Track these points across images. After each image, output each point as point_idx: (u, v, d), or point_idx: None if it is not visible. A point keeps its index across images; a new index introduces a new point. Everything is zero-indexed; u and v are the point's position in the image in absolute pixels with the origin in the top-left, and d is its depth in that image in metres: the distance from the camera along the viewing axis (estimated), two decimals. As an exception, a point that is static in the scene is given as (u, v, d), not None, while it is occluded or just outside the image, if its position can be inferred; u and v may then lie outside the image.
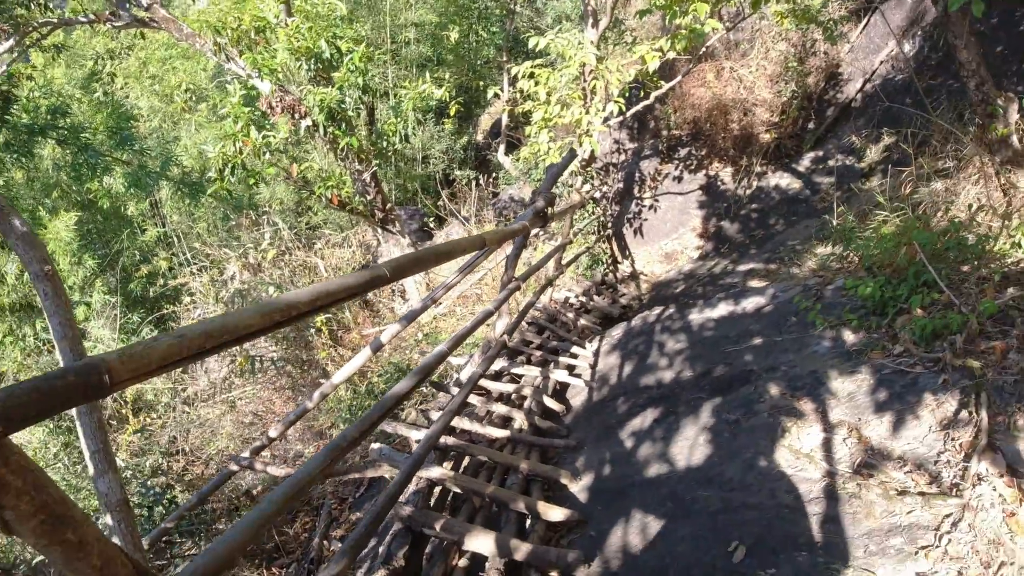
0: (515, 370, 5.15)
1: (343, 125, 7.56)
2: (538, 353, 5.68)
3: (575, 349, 5.75)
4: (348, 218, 13.12)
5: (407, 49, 15.39)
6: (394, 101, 8.16)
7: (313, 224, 14.14)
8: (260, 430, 9.01)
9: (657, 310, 6.03)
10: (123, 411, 10.42)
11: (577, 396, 4.91)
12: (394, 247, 10.18)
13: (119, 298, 12.45)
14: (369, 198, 9.19)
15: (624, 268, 10.41)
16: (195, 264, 12.48)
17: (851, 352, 3.53)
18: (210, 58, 8.92)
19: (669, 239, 10.87)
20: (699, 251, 10.52)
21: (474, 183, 13.46)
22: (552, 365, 5.33)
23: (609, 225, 10.72)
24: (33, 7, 8.46)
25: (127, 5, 8.67)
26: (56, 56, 11.28)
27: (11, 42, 8.69)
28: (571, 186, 9.20)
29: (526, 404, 4.48)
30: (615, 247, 10.55)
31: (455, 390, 4.88)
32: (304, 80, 7.98)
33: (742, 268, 8.33)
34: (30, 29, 8.85)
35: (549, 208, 3.81)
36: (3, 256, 12.39)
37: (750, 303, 5.00)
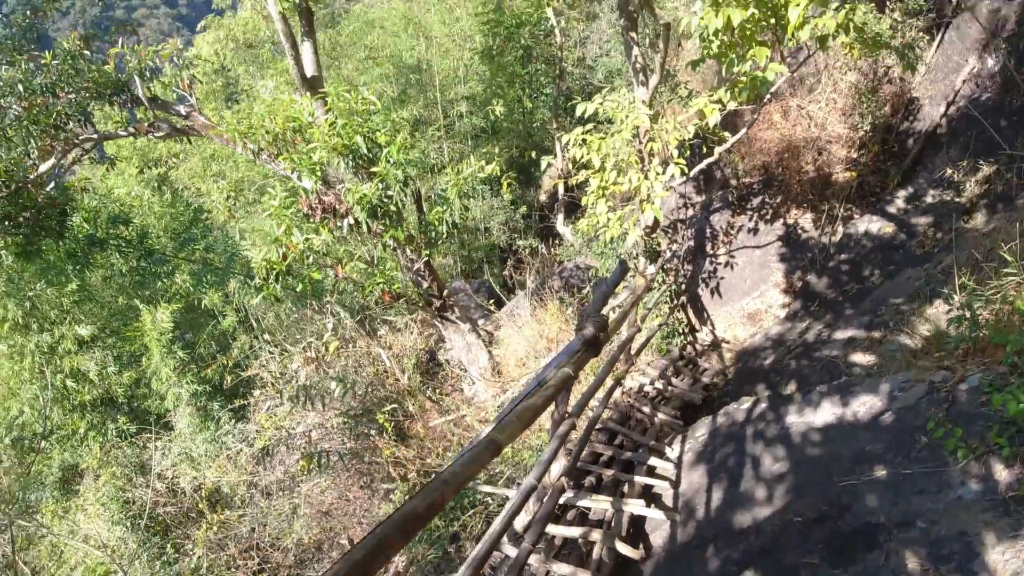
0: (581, 503, 4.42)
1: (388, 219, 7.20)
2: (609, 472, 4.94)
3: (653, 460, 4.99)
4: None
5: (460, 122, 15.27)
6: (439, 188, 7.78)
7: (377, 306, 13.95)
8: (337, 521, 8.82)
9: (746, 405, 5.22)
10: (199, 505, 10.32)
11: (658, 532, 4.15)
12: (455, 334, 9.70)
13: (204, 387, 12.55)
14: (424, 286, 8.79)
15: (703, 337, 9.55)
16: (266, 353, 12.42)
17: (1008, 502, 2.68)
18: (253, 160, 8.83)
19: (750, 298, 9.96)
20: (786, 310, 9.57)
21: (538, 251, 12.98)
22: (627, 487, 4.58)
23: (682, 288, 9.92)
24: (73, 124, 8.60)
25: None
26: (111, 167, 11.59)
27: (54, 159, 8.87)
28: (632, 265, 8.50)
29: (595, 553, 3.75)
30: (691, 313, 9.72)
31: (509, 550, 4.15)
32: (346, 177, 7.70)
33: (839, 335, 7.36)
34: (71, 146, 9.01)
35: (602, 333, 3.18)
36: (83, 356, 12.68)
37: (862, 406, 4.14)
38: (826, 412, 4.30)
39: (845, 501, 3.20)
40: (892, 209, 8.98)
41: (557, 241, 13.92)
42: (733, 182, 10.67)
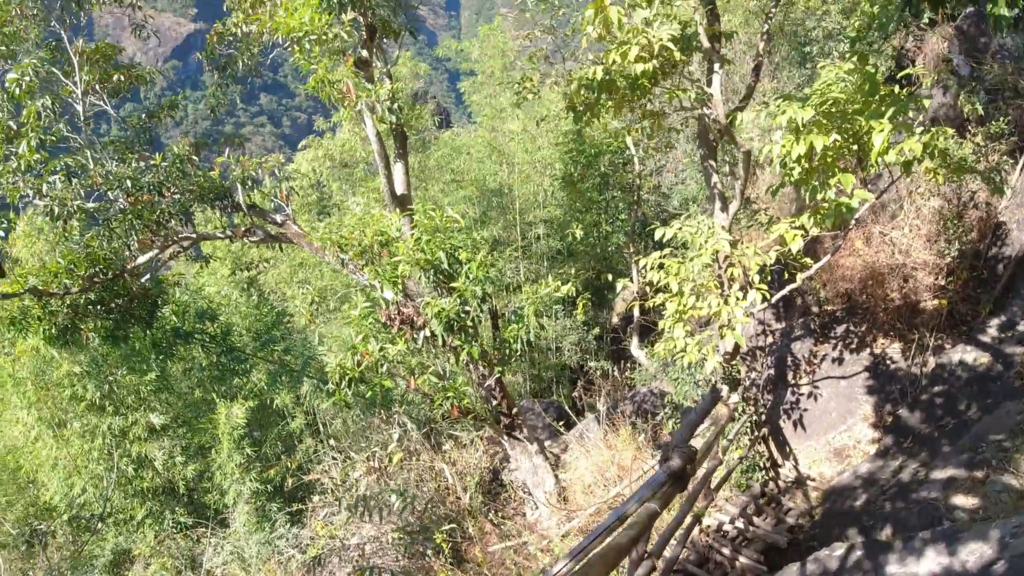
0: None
1: (463, 334, 7.26)
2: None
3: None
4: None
5: (537, 244, 15.65)
6: (515, 307, 7.85)
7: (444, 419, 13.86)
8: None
9: (839, 551, 4.78)
10: None
11: None
12: (521, 454, 9.46)
13: (265, 486, 12.53)
14: (494, 403, 8.70)
15: (786, 473, 8.98)
16: (329, 459, 12.40)
17: None
18: (339, 269, 9.17)
19: (836, 432, 9.39)
20: (875, 445, 8.95)
21: (609, 374, 12.78)
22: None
23: (763, 419, 9.46)
24: (174, 222, 9.12)
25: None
26: (204, 265, 12.20)
27: (152, 253, 9.35)
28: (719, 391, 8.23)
29: None
30: (773, 447, 9.21)
31: None
32: (425, 290, 7.88)
33: (937, 475, 6.79)
34: (170, 242, 9.52)
35: (689, 466, 2.99)
36: (151, 443, 12.92)
37: (971, 555, 3.73)
38: (931, 562, 3.89)
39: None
40: (986, 338, 8.52)
41: (629, 364, 13.72)
42: (815, 309, 10.37)
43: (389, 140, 10.19)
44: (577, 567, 2.13)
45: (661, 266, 7.38)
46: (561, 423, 12.25)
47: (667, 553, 4.88)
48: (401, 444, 11.66)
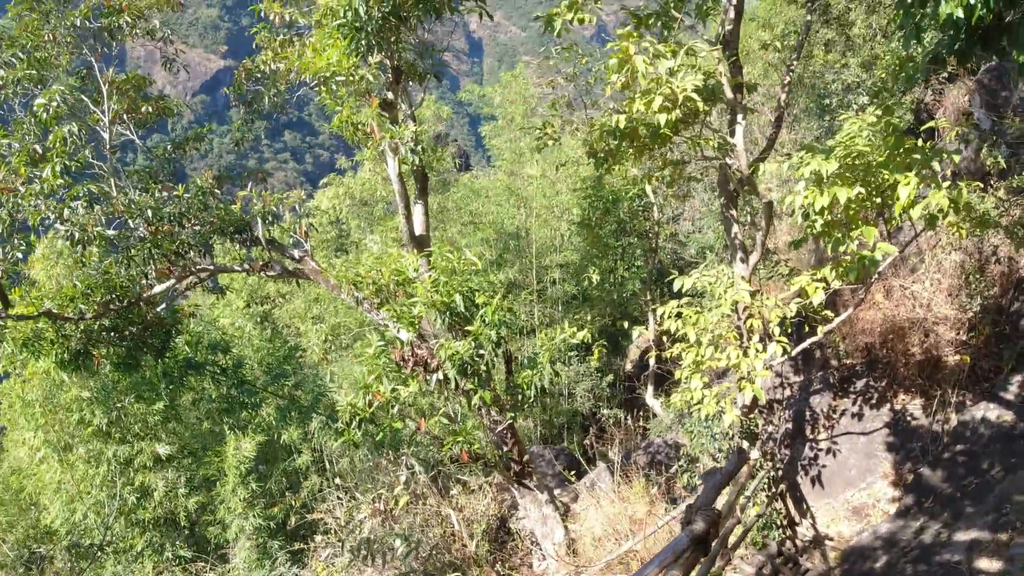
0: None
1: (477, 378, 7.17)
2: None
3: None
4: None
5: (552, 288, 15.63)
6: (530, 352, 7.78)
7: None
8: None
9: (863, 620, 4.58)
10: None
11: None
12: (531, 503, 9.26)
13: (267, 523, 12.36)
14: (505, 450, 8.55)
15: (804, 531, 8.71)
16: (335, 498, 12.23)
17: None
18: (354, 308, 9.15)
19: (856, 489, 9.13)
20: (895, 504, 8.68)
21: (622, 422, 12.58)
22: None
23: (780, 475, 9.23)
24: (193, 253, 9.16)
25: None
26: (220, 297, 12.22)
27: (169, 283, 9.37)
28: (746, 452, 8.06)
29: None
30: (790, 504, 8.96)
31: None
32: (440, 332, 7.83)
33: (961, 537, 6.54)
34: (188, 273, 9.55)
35: (712, 529, 2.87)
36: (156, 473, 12.79)
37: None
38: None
39: None
40: (1009, 395, 8.32)
41: (642, 413, 13.52)
42: (834, 363, 10.20)
43: (410, 180, 10.27)
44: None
45: (679, 315, 7.30)
46: (572, 472, 12.03)
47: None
48: (408, 487, 11.47)
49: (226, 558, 12.12)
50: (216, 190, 9.59)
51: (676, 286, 7.11)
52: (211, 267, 9.92)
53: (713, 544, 2.93)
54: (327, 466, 14.10)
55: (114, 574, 12.69)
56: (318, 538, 11.18)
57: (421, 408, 8.21)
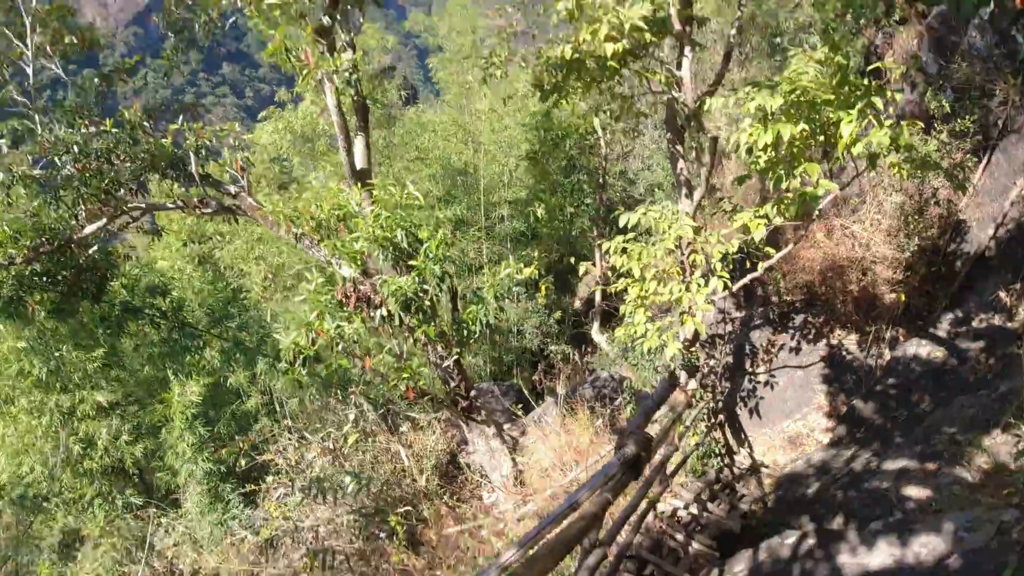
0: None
1: (421, 314, 7.07)
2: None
3: (689, 597, 4.53)
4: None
5: (501, 225, 15.46)
6: (476, 288, 7.71)
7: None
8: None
9: (791, 540, 4.76)
10: None
11: None
12: (478, 437, 9.35)
13: (218, 467, 12.26)
14: (452, 385, 8.54)
15: (741, 460, 9.03)
16: (285, 439, 12.19)
17: None
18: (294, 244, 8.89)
19: (791, 420, 9.50)
20: (829, 435, 9.08)
21: (570, 358, 12.70)
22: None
23: (720, 407, 9.50)
24: (124, 191, 8.73)
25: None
26: (156, 238, 11.77)
27: (101, 223, 8.94)
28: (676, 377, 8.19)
29: None
30: (729, 434, 9.24)
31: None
32: (384, 269, 7.67)
33: (890, 466, 6.86)
34: (119, 212, 9.12)
35: (644, 453, 2.89)
36: (98, 421, 12.51)
37: (923, 548, 3.71)
38: (883, 553, 3.87)
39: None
40: (941, 333, 8.66)
41: (590, 349, 13.65)
42: (774, 299, 10.44)
43: (352, 114, 9.89)
44: (524, 562, 2.01)
45: (624, 251, 7.29)
46: (520, 406, 12.17)
47: (621, 539, 4.82)
48: (357, 425, 11.47)
49: (178, 504, 12.01)
50: (146, 123, 9.08)
51: (622, 222, 7.07)
52: (143, 205, 9.48)
53: (647, 468, 2.95)
54: (277, 408, 13.98)
55: (65, 525, 12.49)
56: (269, 479, 11.16)
57: (367, 346, 8.09)
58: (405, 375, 7.16)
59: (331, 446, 11.01)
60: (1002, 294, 8.09)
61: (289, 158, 20.44)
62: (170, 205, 9.56)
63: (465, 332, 7.43)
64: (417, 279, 6.83)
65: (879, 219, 9.67)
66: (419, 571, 8.56)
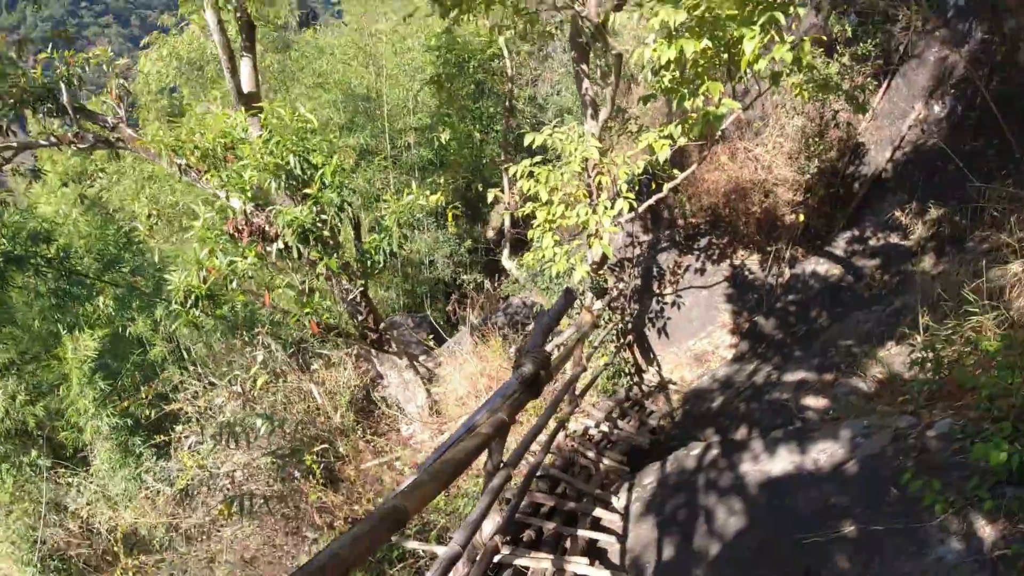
0: (519, 561, 3.98)
1: (321, 245, 6.72)
2: (550, 526, 4.51)
3: (598, 511, 4.60)
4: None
5: (408, 153, 14.92)
6: (378, 215, 7.38)
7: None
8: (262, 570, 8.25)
9: (696, 451, 4.89)
10: (115, 548, 9.55)
11: (604, 595, 3.73)
12: (391, 370, 9.19)
13: (124, 421, 11.72)
14: (360, 319, 8.28)
15: (650, 378, 9.27)
16: (194, 386, 11.73)
17: (995, 563, 2.38)
18: (180, 178, 8.26)
19: (697, 338, 9.77)
20: (733, 351, 9.40)
21: (483, 287, 12.57)
22: (569, 542, 4.16)
23: (629, 328, 9.67)
24: None
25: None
26: (33, 181, 10.79)
27: None
28: (579, 299, 8.18)
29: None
30: (638, 354, 9.45)
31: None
32: (278, 199, 7.22)
33: (790, 378, 7.14)
34: None
35: (543, 372, 2.80)
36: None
37: (822, 454, 3.84)
38: (783, 460, 4.00)
39: (813, 564, 2.85)
40: (838, 251, 8.97)
41: (504, 277, 13.56)
42: (680, 222, 10.58)
43: (239, 37, 9.14)
44: (405, 487, 1.88)
45: (531, 175, 7.13)
46: (432, 337, 12.06)
47: (530, 459, 4.83)
48: (266, 367, 11.14)
49: (88, 462, 11.44)
50: (12, 54, 8.15)
51: (527, 142, 6.88)
52: (14, 144, 8.59)
53: (545, 386, 2.87)
54: (184, 355, 13.38)
55: (-31, 492, 11.68)
56: (178, 428, 10.83)
57: (265, 282, 7.70)
58: (308, 310, 6.85)
59: (239, 389, 10.70)
60: (898, 213, 8.40)
61: (178, 88, 18.96)
62: (43, 143, 8.69)
63: (369, 263, 7.13)
64: (314, 208, 6.47)
65: (781, 142, 9.83)
66: (338, 507, 8.49)
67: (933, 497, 2.82)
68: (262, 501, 9.05)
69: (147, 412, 11.84)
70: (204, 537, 9.27)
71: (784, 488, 3.64)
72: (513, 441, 3.73)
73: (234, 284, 6.70)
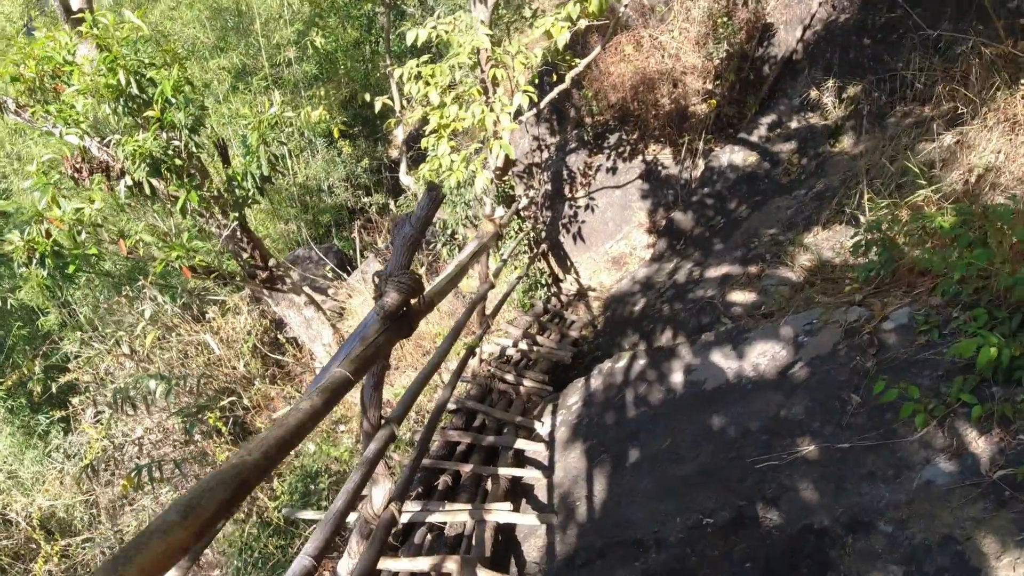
0: (432, 518, 3.47)
1: (178, 176, 5.75)
2: (467, 468, 3.99)
3: (521, 443, 4.12)
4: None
5: (289, 70, 13.52)
6: (240, 136, 6.40)
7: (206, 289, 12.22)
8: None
9: (621, 363, 4.44)
10: (34, 535, 8.81)
11: (532, 541, 3.27)
12: (288, 309, 8.40)
13: (19, 400, 10.69)
14: (245, 257, 7.38)
15: (568, 287, 8.82)
16: (86, 352, 10.68)
17: (998, 486, 1.96)
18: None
19: (614, 241, 9.35)
20: (651, 250, 9.03)
21: (388, 209, 11.71)
22: (490, 483, 3.67)
23: (542, 236, 9.13)
24: None
25: None
26: None
27: None
28: (474, 210, 7.50)
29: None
30: (554, 262, 8.95)
31: None
32: (123, 127, 6.15)
33: (712, 273, 6.76)
34: None
35: (413, 300, 2.17)
36: None
37: (762, 357, 3.38)
38: (719, 364, 3.57)
39: (768, 492, 2.39)
40: (753, 138, 8.58)
41: (407, 196, 12.70)
42: (588, 120, 9.95)
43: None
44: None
45: (419, 76, 6.31)
46: (340, 268, 11.25)
47: (437, 394, 4.27)
48: (155, 321, 10.19)
49: (-9, 449, 10.42)
50: None
51: (409, 39, 6.02)
52: None
53: (421, 317, 2.25)
54: (68, 319, 12.20)
55: None
56: (75, 400, 9.97)
57: (121, 228, 6.69)
58: (176, 253, 5.93)
59: (126, 350, 9.79)
60: (813, 93, 8.05)
61: (34, 28, 16.58)
62: None
63: (238, 191, 6.21)
64: (160, 133, 5.48)
65: (687, 27, 9.25)
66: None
67: (912, 406, 2.35)
68: (174, 466, 8.39)
69: (38, 386, 10.90)
70: (123, 510, 8.69)
71: (723, 401, 3.18)
72: (404, 383, 3.13)
73: (83, 235, 5.72)
